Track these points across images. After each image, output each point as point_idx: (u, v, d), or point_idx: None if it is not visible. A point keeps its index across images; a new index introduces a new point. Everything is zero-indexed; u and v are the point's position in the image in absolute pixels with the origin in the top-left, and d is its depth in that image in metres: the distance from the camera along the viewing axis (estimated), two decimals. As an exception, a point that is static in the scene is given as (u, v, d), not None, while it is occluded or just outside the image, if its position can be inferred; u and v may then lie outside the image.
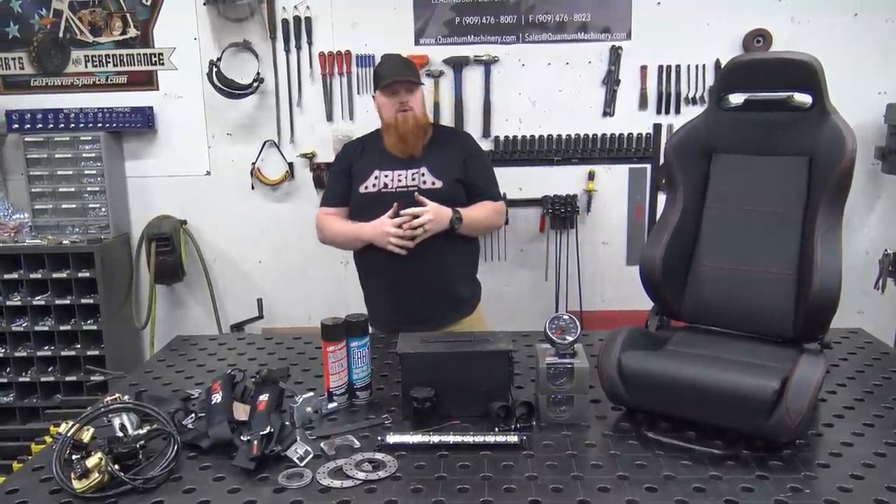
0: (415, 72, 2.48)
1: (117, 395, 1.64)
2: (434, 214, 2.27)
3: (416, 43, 3.46)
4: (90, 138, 3.46)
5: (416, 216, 2.25)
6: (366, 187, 2.42)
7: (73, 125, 3.48)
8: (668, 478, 1.38)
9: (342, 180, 2.51)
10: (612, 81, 3.45)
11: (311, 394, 1.68)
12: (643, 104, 3.47)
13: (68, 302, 3.42)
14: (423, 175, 2.38)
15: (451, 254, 2.40)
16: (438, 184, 2.38)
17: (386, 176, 2.40)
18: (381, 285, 2.42)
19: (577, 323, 1.63)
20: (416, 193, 2.30)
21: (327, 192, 2.61)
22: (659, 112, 3.47)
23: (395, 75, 2.41)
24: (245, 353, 2.17)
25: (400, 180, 2.38)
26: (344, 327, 1.72)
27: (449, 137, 2.58)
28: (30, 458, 1.64)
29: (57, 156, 3.49)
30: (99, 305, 3.42)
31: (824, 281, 1.55)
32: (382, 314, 2.41)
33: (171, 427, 1.50)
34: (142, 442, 1.45)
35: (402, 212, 2.27)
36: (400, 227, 2.26)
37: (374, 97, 2.52)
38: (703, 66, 3.42)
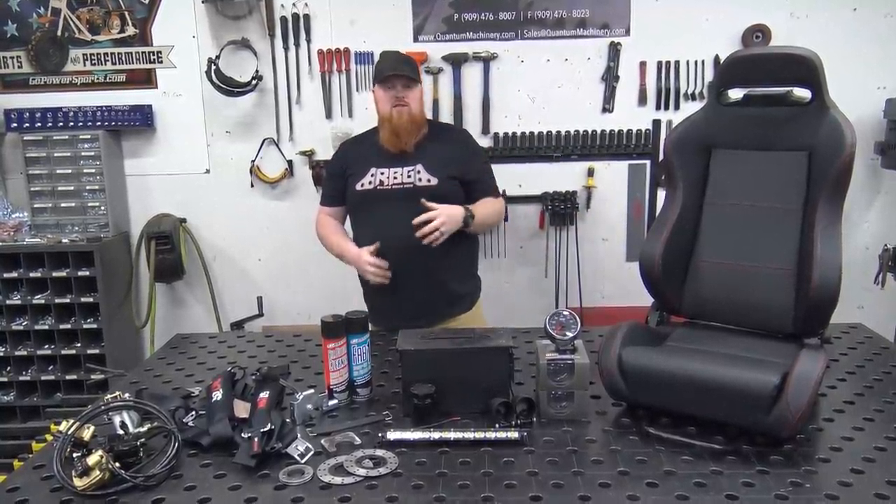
0: (414, 68, 2.48)
1: (118, 393, 1.64)
2: (446, 216, 2.28)
3: (415, 40, 3.45)
4: (89, 137, 3.46)
5: (429, 220, 2.25)
6: (362, 185, 2.42)
7: (71, 124, 3.47)
8: (668, 473, 1.38)
9: (338, 180, 2.54)
10: (611, 77, 3.45)
11: (312, 391, 1.68)
12: (642, 100, 3.47)
13: (68, 301, 3.42)
14: (418, 172, 2.38)
15: (449, 250, 2.39)
16: (434, 181, 2.38)
17: (382, 173, 2.40)
18: (404, 281, 2.42)
19: (577, 319, 1.63)
20: (422, 200, 2.29)
21: (324, 192, 2.64)
22: (658, 108, 3.47)
23: (394, 70, 2.42)
24: (245, 351, 2.17)
25: (396, 177, 2.39)
26: (344, 324, 1.72)
27: (445, 134, 2.58)
28: (31, 456, 1.64)
29: (56, 154, 3.48)
30: (99, 304, 3.42)
31: (824, 276, 1.55)
32: (381, 310, 2.41)
33: (171, 425, 1.51)
34: (142, 440, 1.45)
35: (414, 221, 2.25)
36: (377, 256, 2.30)
37: (373, 91, 2.53)
38: (703, 61, 3.41)
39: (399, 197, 2.36)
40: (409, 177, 2.38)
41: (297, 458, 1.45)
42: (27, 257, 3.39)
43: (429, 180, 2.38)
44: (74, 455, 1.37)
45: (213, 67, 3.38)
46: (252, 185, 3.60)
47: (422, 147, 2.44)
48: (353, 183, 2.45)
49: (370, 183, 2.41)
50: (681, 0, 3.37)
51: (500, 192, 2.65)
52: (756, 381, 1.45)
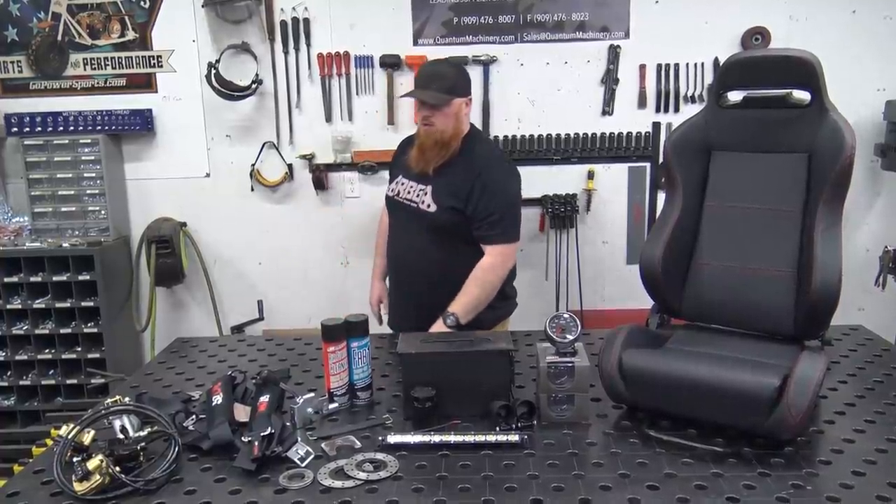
0: (442, 85, 2.25)
1: (118, 397, 1.64)
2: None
3: (415, 43, 3.46)
4: (89, 141, 3.46)
5: None
6: (389, 189, 2.47)
7: (72, 128, 3.47)
8: (669, 476, 1.38)
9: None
10: (610, 80, 3.45)
11: (312, 394, 1.69)
12: (642, 103, 3.47)
13: (68, 305, 3.42)
14: (425, 194, 2.32)
15: (464, 273, 2.29)
16: (433, 208, 2.29)
17: (402, 184, 2.41)
18: (402, 292, 2.41)
19: (578, 322, 1.63)
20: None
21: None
22: (658, 111, 3.47)
23: (416, 88, 2.32)
24: (245, 355, 2.17)
25: (409, 192, 2.37)
26: (344, 328, 1.72)
27: (472, 160, 2.31)
28: (31, 460, 1.64)
29: (56, 159, 3.48)
30: (99, 308, 3.41)
31: (824, 278, 1.55)
32: (402, 325, 2.39)
33: (171, 429, 1.51)
34: (143, 444, 1.45)
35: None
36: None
37: None
38: (702, 64, 3.41)
39: (407, 212, 2.36)
40: (417, 196, 2.34)
41: (298, 461, 1.45)
42: (28, 261, 3.38)
43: (428, 206, 2.30)
44: (74, 459, 1.37)
45: (213, 71, 3.38)
46: (252, 189, 3.60)
47: (446, 168, 2.31)
48: (389, 182, 2.49)
49: (393, 190, 2.44)
50: (680, 2, 3.37)
51: (511, 237, 2.35)
52: (756, 384, 1.45)
